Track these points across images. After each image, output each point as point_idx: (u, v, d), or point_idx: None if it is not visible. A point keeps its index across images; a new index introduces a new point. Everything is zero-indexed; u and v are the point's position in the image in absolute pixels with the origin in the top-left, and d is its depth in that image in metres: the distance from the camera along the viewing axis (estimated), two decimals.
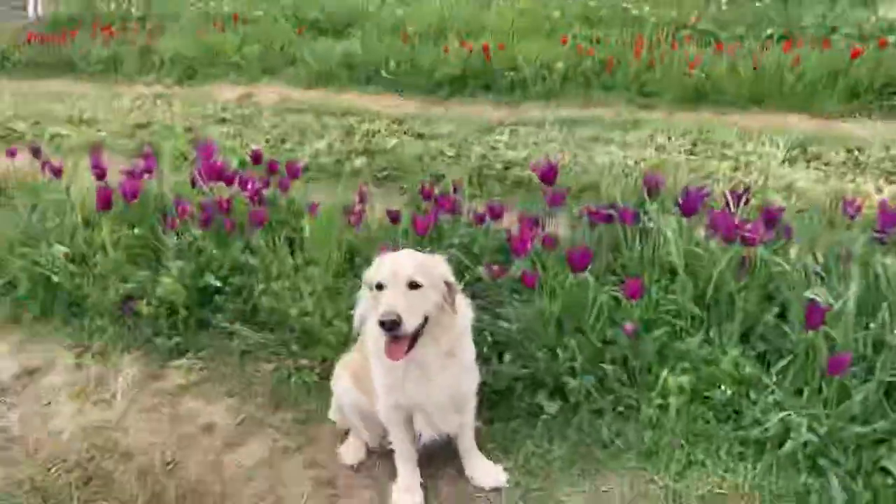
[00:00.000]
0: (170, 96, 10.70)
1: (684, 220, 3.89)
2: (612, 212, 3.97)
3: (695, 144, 6.97)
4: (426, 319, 2.71)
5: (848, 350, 3.10)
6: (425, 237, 4.25)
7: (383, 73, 10.41)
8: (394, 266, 2.67)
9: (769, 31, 10.61)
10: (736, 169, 6.33)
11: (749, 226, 3.45)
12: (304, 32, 12.93)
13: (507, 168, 6.68)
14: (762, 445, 3.15)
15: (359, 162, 7.17)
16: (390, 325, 2.54)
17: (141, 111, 9.92)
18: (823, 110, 7.85)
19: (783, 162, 6.39)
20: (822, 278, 3.55)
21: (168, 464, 3.47)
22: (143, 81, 12.01)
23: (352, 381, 3.26)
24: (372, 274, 2.76)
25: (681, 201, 3.78)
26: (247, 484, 3.31)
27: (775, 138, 6.85)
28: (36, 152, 6.10)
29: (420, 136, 7.94)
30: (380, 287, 2.67)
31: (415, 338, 2.67)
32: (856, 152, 6.46)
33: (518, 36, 10.95)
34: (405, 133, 8.09)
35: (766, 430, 3.10)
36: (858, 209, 3.78)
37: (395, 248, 3.93)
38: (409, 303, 2.60)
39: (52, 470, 3.45)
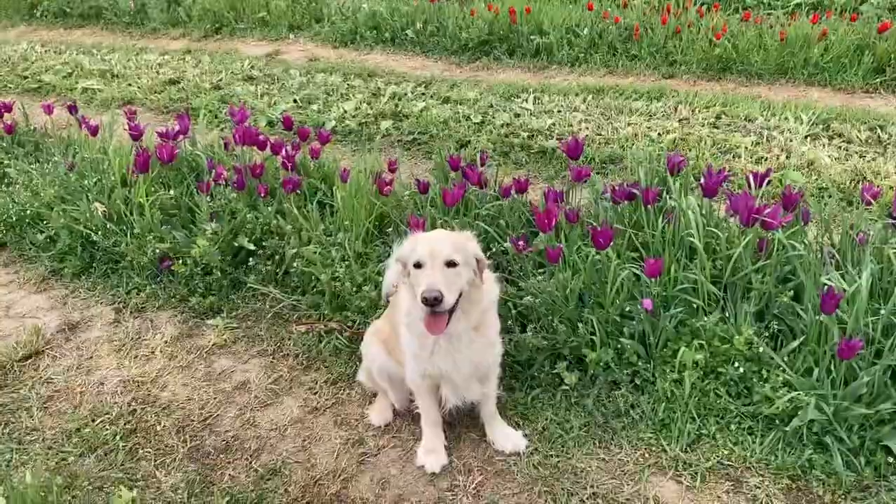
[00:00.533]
0: (197, 52, 10.76)
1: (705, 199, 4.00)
2: (634, 191, 4.08)
3: (718, 117, 6.98)
4: (460, 295, 2.87)
5: (858, 334, 3.23)
6: (453, 208, 4.38)
7: (409, 33, 10.42)
8: (432, 246, 2.82)
9: (798, 0, 10.52)
10: (758, 144, 6.38)
11: (768, 210, 3.54)
12: None
13: (531, 137, 6.75)
14: (771, 421, 3.30)
15: (385, 125, 7.27)
16: (433, 302, 2.71)
17: (170, 67, 10.01)
18: (848, 85, 7.84)
19: (805, 138, 6.43)
20: (836, 262, 3.66)
21: (205, 419, 3.67)
22: (170, 35, 12.07)
23: (381, 348, 3.44)
24: (408, 252, 2.91)
25: (702, 182, 3.88)
26: (280, 440, 3.50)
27: (798, 113, 6.87)
28: (73, 110, 6.25)
29: (446, 100, 7.99)
30: (418, 265, 2.83)
31: (451, 312, 2.84)
32: (878, 130, 6.48)
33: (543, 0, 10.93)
34: (431, 97, 8.14)
35: (776, 407, 3.24)
36: (876, 195, 3.87)
37: (425, 220, 4.10)
38: (447, 280, 2.77)
39: (97, 422, 3.66)
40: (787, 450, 3.20)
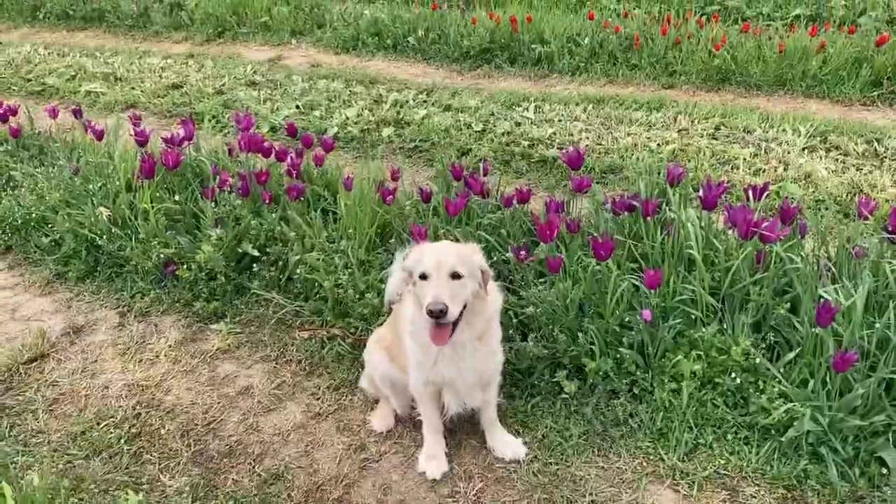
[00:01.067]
0: (200, 56, 10.81)
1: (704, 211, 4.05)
2: (634, 202, 4.13)
3: (717, 128, 7.05)
4: (465, 306, 2.92)
5: (853, 347, 3.28)
6: (455, 217, 4.44)
7: (411, 40, 10.48)
8: (438, 258, 2.88)
9: (797, 12, 10.60)
10: (756, 156, 6.44)
11: (766, 223, 3.59)
12: None
13: (532, 146, 6.82)
14: (767, 431, 3.36)
15: (387, 132, 7.33)
16: (438, 314, 2.76)
17: (173, 71, 10.06)
18: (845, 98, 7.90)
19: (803, 150, 6.50)
20: (832, 276, 3.72)
21: (209, 423, 3.72)
22: (173, 38, 12.12)
23: (384, 355, 3.50)
24: (414, 263, 2.96)
25: (701, 195, 3.93)
26: (283, 445, 3.55)
27: (796, 125, 6.93)
28: (77, 114, 6.30)
29: (447, 108, 8.04)
30: (424, 277, 2.89)
31: (455, 323, 2.89)
32: (875, 143, 6.54)
33: (545, 8, 10.99)
34: (433, 104, 8.20)
35: (772, 417, 3.29)
36: (872, 210, 3.92)
37: (427, 229, 4.16)
38: (452, 292, 2.83)
39: (102, 425, 3.70)
40: (783, 460, 3.25)
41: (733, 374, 3.47)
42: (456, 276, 2.86)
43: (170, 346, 4.30)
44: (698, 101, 7.94)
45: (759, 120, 7.18)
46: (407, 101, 8.29)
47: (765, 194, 4.08)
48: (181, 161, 5.15)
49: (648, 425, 3.48)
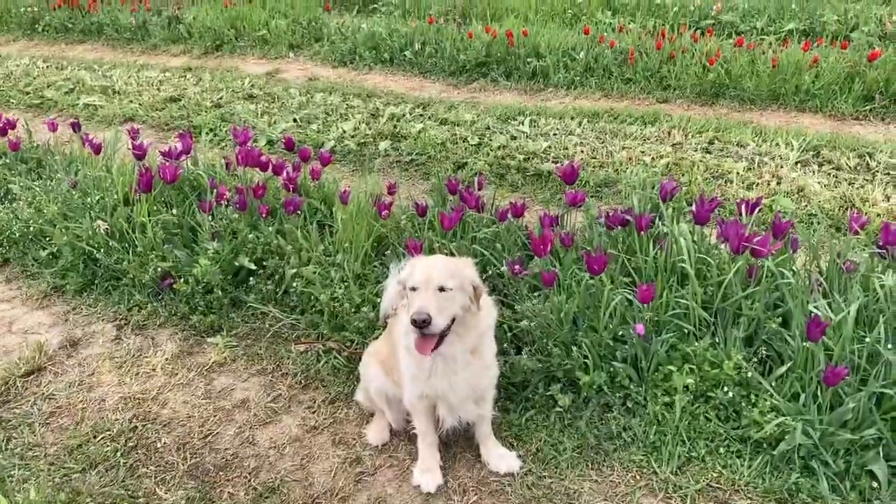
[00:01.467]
0: (198, 69, 10.86)
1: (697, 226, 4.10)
2: (628, 217, 4.18)
3: (711, 143, 7.11)
4: (454, 320, 2.96)
5: (844, 361, 3.32)
6: (450, 231, 4.47)
7: (407, 54, 10.55)
8: (427, 271, 2.93)
9: (790, 26, 10.69)
10: (749, 170, 6.50)
11: (758, 238, 3.63)
12: (332, 8, 13.08)
13: (527, 159, 6.86)
14: (759, 445, 3.38)
15: (384, 146, 7.37)
16: (421, 324, 2.81)
17: (170, 84, 10.11)
18: (838, 112, 7.97)
19: (796, 164, 6.56)
20: (824, 290, 3.75)
21: (205, 436, 3.73)
22: (171, 52, 12.17)
23: (379, 368, 3.52)
24: (406, 276, 3.01)
25: (694, 210, 3.97)
26: (279, 459, 3.56)
27: (789, 139, 7.00)
28: (76, 127, 6.34)
29: (444, 121, 8.11)
30: (413, 289, 2.93)
31: (442, 336, 2.94)
32: (867, 157, 6.60)
33: (541, 22, 11.07)
34: (429, 118, 8.26)
35: (764, 431, 3.32)
36: (863, 225, 3.97)
37: (422, 243, 4.19)
38: (439, 305, 2.87)
39: (99, 438, 3.71)
40: (775, 473, 3.27)
41: (725, 388, 3.50)
42: (443, 289, 2.91)
43: (166, 360, 4.32)
44: (692, 115, 8.01)
45: (752, 134, 7.25)
46: (403, 115, 8.34)
47: (757, 209, 4.12)
48: (179, 175, 5.18)
49: (642, 439, 3.50)
